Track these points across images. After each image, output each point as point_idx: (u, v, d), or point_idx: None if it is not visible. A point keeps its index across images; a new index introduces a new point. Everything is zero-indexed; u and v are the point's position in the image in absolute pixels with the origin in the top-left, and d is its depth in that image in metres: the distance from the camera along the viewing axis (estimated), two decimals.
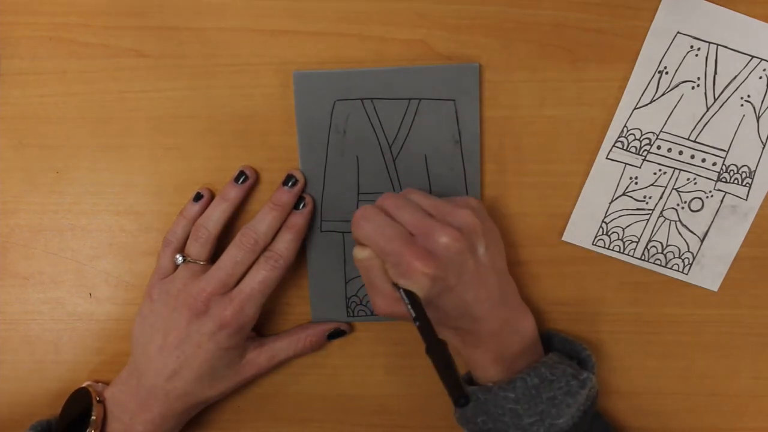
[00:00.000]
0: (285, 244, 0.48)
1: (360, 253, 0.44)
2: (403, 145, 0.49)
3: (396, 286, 0.43)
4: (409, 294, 0.42)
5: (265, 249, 0.48)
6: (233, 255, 0.47)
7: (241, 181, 0.50)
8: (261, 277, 0.47)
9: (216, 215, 0.49)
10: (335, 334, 0.52)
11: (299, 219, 0.49)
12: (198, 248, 0.49)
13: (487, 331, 0.45)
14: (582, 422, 0.45)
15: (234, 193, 0.49)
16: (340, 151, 0.49)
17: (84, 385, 0.50)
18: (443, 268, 0.42)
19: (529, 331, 0.47)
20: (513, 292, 0.47)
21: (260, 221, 0.48)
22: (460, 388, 0.35)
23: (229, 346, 0.47)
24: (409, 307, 0.41)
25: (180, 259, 0.49)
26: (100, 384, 0.51)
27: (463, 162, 0.49)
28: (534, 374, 0.44)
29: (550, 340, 0.50)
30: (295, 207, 0.49)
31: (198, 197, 0.50)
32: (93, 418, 0.47)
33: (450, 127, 0.49)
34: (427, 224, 0.43)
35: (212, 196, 0.50)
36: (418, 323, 0.40)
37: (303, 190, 0.50)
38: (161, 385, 0.47)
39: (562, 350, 0.49)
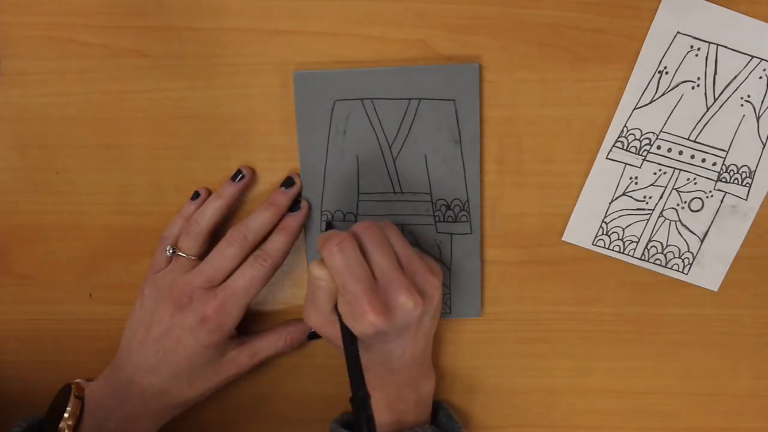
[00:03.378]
0: (275, 245, 0.48)
1: (318, 271, 0.44)
2: (403, 145, 0.49)
3: (338, 313, 0.44)
4: (348, 332, 0.43)
5: (255, 248, 0.48)
6: (222, 249, 0.47)
7: (238, 179, 0.49)
8: (247, 275, 0.47)
9: (209, 211, 0.49)
10: (316, 334, 0.51)
11: (292, 221, 0.49)
12: (188, 242, 0.48)
13: (392, 381, 0.46)
14: None
15: (230, 190, 0.49)
16: (340, 151, 0.49)
17: (75, 381, 0.50)
18: (391, 326, 0.42)
19: (426, 391, 0.48)
20: (429, 354, 0.48)
21: (253, 219, 0.48)
22: None
23: (209, 344, 0.47)
24: (345, 346, 0.42)
25: (170, 250, 0.49)
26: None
27: (463, 162, 0.49)
28: None
29: (436, 412, 0.50)
30: (291, 210, 0.49)
31: (195, 196, 0.50)
32: (66, 414, 0.47)
33: (450, 127, 0.49)
34: (393, 277, 0.43)
35: (209, 195, 0.50)
36: (348, 365, 0.41)
37: (299, 194, 0.50)
38: (138, 381, 0.47)
39: (444, 424, 0.49)
